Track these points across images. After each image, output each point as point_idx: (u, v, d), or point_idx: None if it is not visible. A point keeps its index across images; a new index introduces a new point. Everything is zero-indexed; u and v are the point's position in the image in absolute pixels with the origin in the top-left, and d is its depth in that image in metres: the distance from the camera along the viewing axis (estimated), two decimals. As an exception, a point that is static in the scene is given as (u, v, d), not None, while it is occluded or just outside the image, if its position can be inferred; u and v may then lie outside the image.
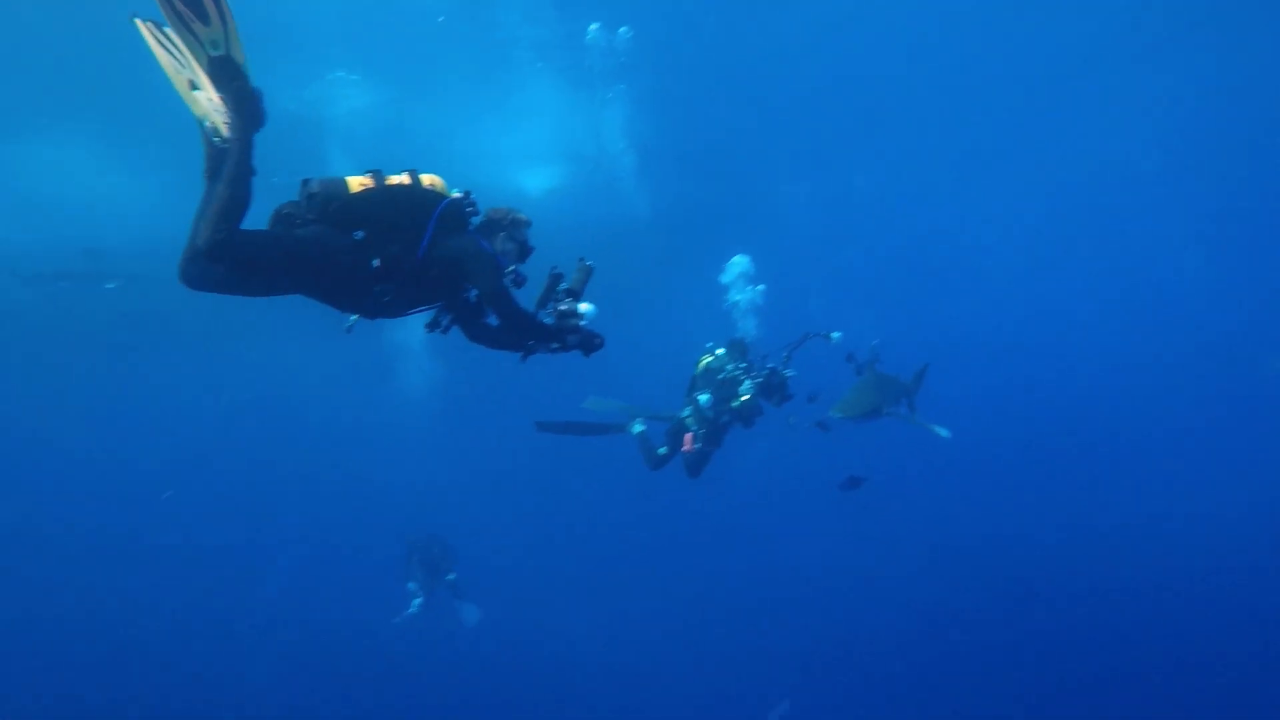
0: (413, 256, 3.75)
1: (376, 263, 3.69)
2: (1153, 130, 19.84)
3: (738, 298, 12.50)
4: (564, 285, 4.16)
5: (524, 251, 4.18)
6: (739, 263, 12.95)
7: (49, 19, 12.98)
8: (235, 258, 3.41)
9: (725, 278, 11.96)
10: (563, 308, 4.08)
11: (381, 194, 3.73)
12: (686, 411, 8.73)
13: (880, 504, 19.95)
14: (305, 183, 3.71)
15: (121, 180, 15.43)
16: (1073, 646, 16.51)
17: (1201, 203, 22.41)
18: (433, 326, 4.17)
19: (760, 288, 12.63)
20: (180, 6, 3.28)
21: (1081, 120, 19.74)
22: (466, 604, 15.08)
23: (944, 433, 9.45)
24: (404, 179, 3.83)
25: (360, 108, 15.63)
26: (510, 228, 4.13)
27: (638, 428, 9.16)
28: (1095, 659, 16.05)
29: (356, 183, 3.72)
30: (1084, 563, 18.99)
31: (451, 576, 14.75)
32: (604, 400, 9.46)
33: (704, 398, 8.46)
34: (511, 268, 4.05)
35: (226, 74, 3.40)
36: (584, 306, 4.12)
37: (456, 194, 3.93)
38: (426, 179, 3.88)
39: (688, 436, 8.49)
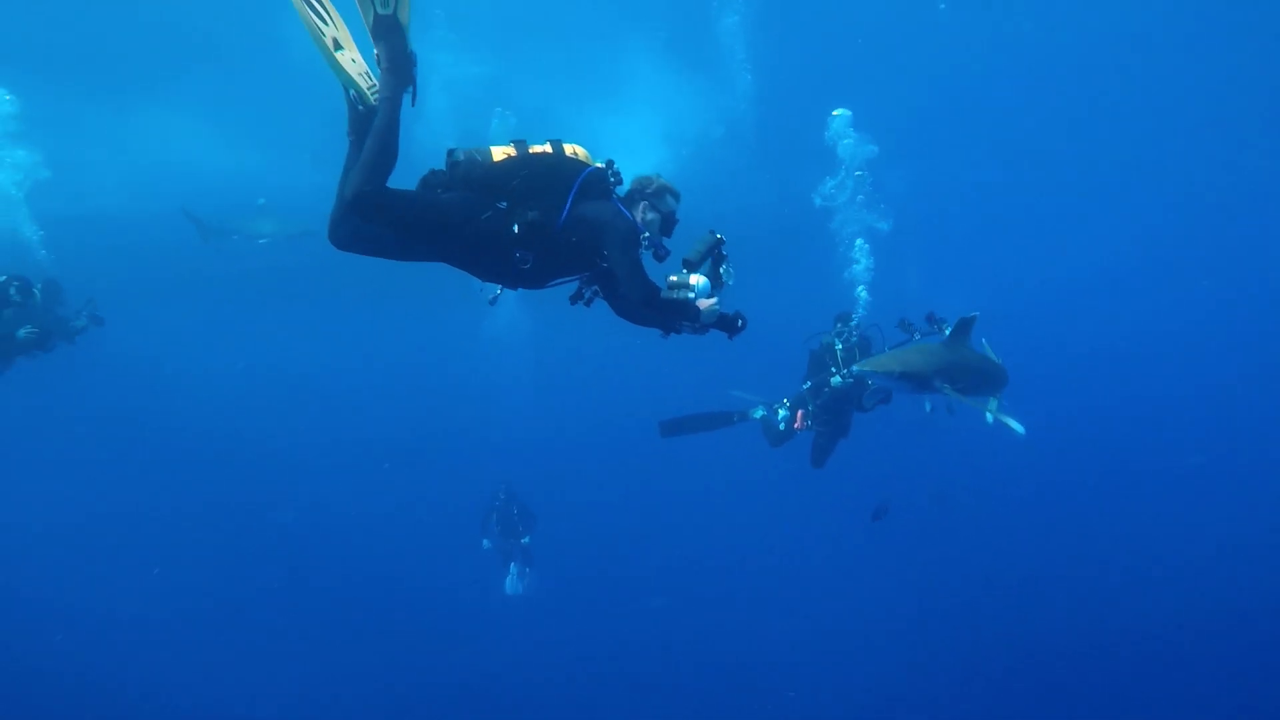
0: (553, 224, 3.70)
1: (516, 228, 3.66)
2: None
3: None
4: (683, 255, 3.98)
5: (668, 223, 4.04)
6: (842, 115, 12.42)
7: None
8: (381, 213, 3.50)
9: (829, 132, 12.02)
10: (673, 278, 3.86)
11: (524, 163, 3.73)
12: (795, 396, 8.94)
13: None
14: (451, 152, 3.75)
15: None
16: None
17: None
18: (575, 299, 4.09)
19: (859, 173, 12.21)
20: None
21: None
22: (516, 576, 15.29)
23: (1018, 428, 7.65)
24: (546, 148, 3.82)
25: (459, 78, 15.66)
26: (653, 197, 4.02)
27: (759, 412, 9.29)
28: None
29: (500, 152, 3.76)
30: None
31: (526, 540, 15.02)
32: (746, 394, 9.50)
33: (782, 413, 8.86)
34: (646, 234, 3.88)
35: (388, 31, 3.50)
36: (695, 279, 3.81)
37: (599, 164, 3.89)
38: (569, 148, 3.88)
39: (799, 414, 8.69)
